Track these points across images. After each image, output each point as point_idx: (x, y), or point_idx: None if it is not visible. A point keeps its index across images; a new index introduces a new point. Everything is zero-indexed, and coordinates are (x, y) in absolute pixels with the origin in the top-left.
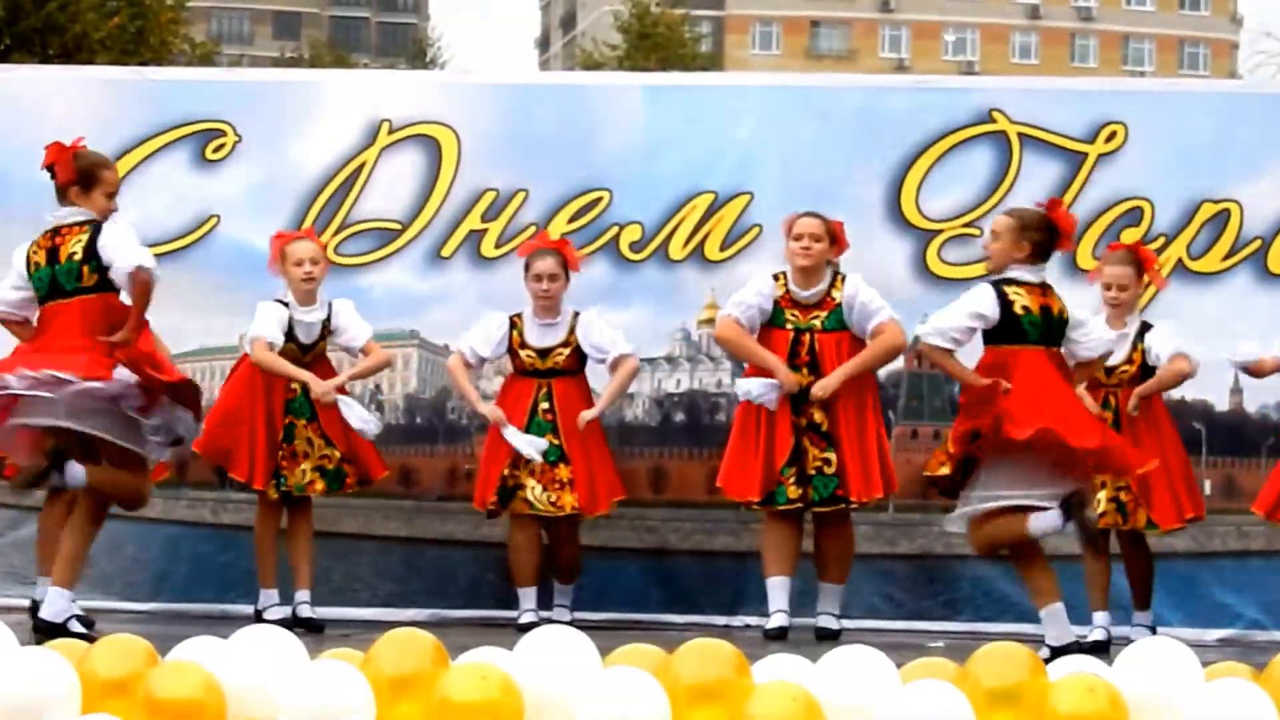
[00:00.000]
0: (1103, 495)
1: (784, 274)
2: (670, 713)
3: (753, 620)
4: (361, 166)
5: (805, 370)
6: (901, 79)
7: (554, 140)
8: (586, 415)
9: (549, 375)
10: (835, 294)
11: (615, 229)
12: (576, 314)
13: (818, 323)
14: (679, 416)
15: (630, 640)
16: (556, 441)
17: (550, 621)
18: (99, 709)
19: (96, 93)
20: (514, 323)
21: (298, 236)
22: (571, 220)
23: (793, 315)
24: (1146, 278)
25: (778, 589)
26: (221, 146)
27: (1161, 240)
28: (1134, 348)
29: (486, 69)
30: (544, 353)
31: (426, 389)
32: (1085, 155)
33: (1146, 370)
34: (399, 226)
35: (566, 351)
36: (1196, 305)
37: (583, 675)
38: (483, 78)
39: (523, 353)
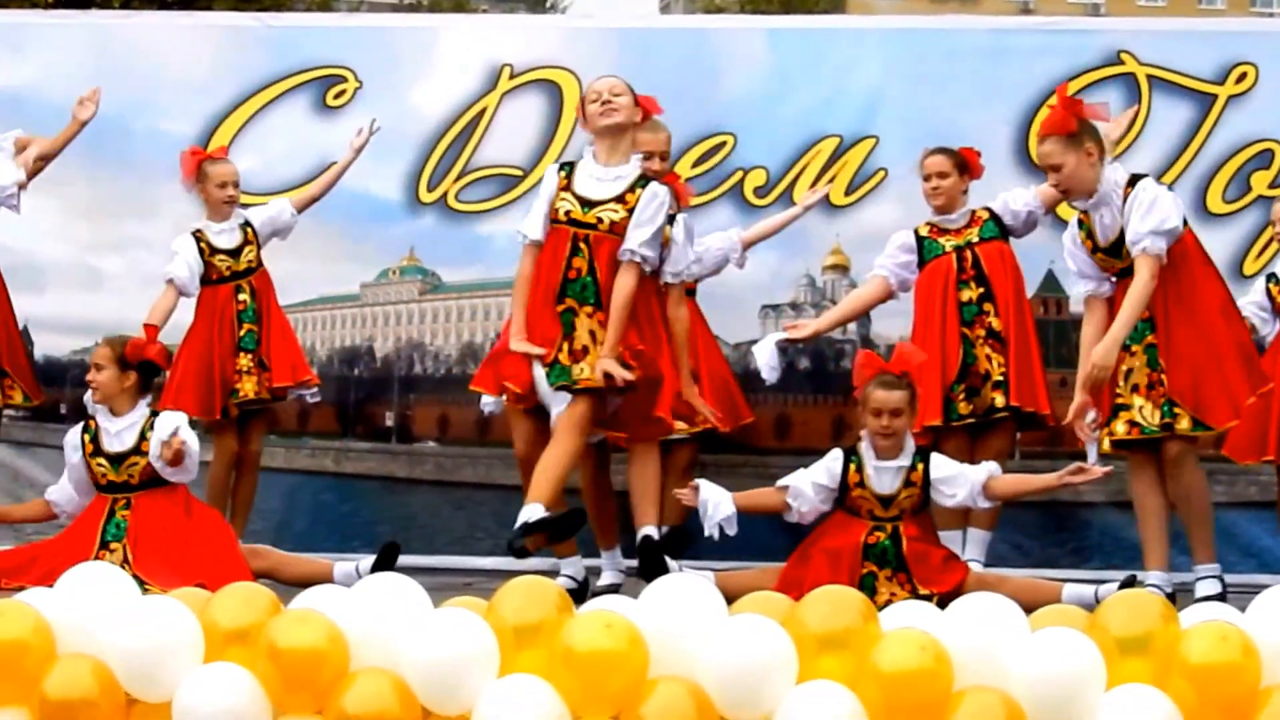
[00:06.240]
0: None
1: (919, 226)
2: (797, 661)
3: None
4: (482, 112)
5: (973, 284)
6: (1028, 20)
7: (677, 84)
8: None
9: (591, 228)
10: (981, 213)
11: (740, 173)
12: (645, 177)
13: (974, 235)
14: (803, 363)
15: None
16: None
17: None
18: (221, 658)
19: (216, 40)
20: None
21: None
22: (695, 165)
23: (945, 239)
24: None
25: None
26: (342, 93)
27: None
28: None
29: (608, 13)
30: (592, 204)
31: None
32: (1215, 97)
33: None
34: (520, 173)
35: (622, 210)
36: None
37: (708, 624)
38: (605, 21)
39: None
